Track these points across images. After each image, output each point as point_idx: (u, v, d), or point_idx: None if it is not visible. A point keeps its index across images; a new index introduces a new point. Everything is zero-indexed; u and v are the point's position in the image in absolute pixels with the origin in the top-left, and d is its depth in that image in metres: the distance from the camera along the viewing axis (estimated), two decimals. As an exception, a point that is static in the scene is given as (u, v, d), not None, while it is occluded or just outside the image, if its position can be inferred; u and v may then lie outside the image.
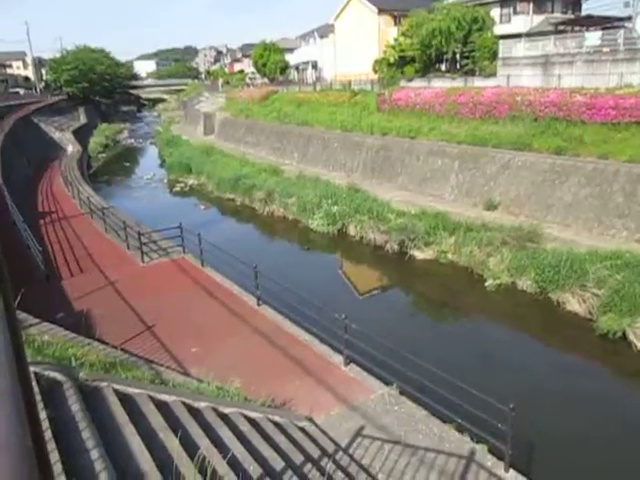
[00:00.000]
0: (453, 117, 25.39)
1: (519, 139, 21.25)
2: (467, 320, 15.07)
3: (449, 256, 17.53)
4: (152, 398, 6.04)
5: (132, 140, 64.21)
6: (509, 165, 20.54)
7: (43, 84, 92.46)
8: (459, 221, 18.51)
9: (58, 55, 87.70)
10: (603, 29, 28.96)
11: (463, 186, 22.02)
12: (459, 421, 7.41)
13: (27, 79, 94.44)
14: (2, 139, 33.46)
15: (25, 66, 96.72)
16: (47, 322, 9.57)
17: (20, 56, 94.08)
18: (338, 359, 9.57)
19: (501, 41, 29.85)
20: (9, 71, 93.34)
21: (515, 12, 37.49)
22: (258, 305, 12.18)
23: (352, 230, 20.97)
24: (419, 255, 18.26)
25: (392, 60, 37.33)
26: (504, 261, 15.73)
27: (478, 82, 28.78)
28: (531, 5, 37.08)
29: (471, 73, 31.37)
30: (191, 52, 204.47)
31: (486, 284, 15.52)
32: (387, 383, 8.75)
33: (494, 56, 30.33)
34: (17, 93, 74.58)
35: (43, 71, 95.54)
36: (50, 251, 17.09)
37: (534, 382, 10.78)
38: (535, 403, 9.67)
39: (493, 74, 28.78)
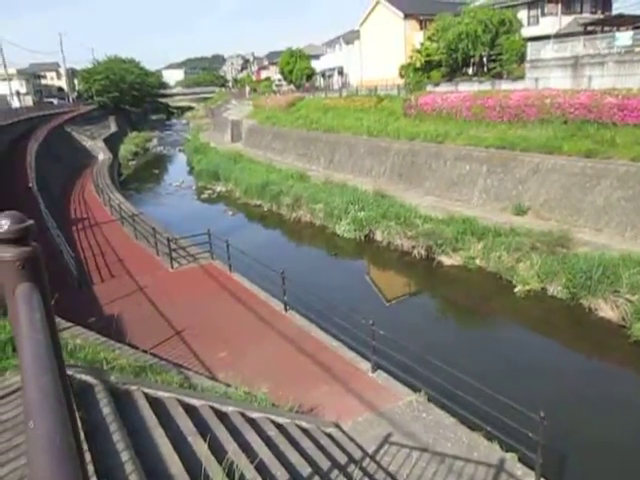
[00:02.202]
0: (481, 121, 25.13)
1: (548, 142, 20.91)
2: (496, 326, 14.86)
3: (477, 262, 17.32)
4: (181, 402, 6.10)
5: (161, 148, 65.29)
6: (538, 169, 20.21)
7: (75, 94, 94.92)
8: (487, 226, 18.29)
9: (90, 66, 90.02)
10: (635, 28, 28.36)
11: (491, 191, 21.75)
12: (488, 429, 7.30)
13: (60, 89, 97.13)
14: (37, 148, 34.35)
15: (59, 77, 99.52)
16: (79, 326, 9.76)
17: (54, 67, 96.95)
18: (366, 365, 9.53)
19: (529, 43, 29.47)
20: (43, 82, 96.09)
21: (543, 13, 36.97)
22: (285, 311, 12.22)
23: (379, 236, 20.89)
24: (447, 261, 18.08)
25: (418, 65, 37.19)
26: (534, 266, 15.45)
27: (506, 85, 28.47)
28: (559, 6, 36.51)
29: (498, 76, 31.02)
30: (218, 60, 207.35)
31: (515, 290, 15.27)
32: (415, 390, 8.67)
33: (522, 59, 29.96)
34: (51, 103, 76.69)
35: (75, 81, 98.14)
36: (82, 256, 17.47)
37: (566, 389, 10.55)
38: (567, 411, 9.47)
39: (521, 77, 28.41)
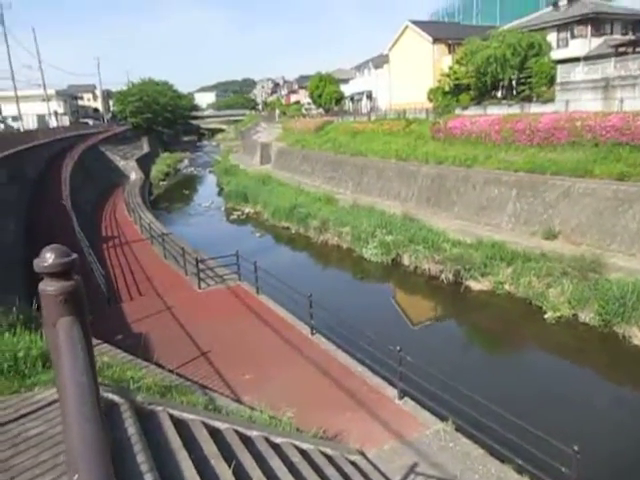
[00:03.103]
0: (510, 145, 24.93)
1: (579, 165, 20.58)
2: (526, 353, 14.52)
3: (506, 287, 17.03)
4: (206, 424, 6.09)
5: (192, 168, 66.46)
6: (569, 192, 19.89)
7: (110, 115, 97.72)
8: (517, 251, 18.03)
9: (125, 88, 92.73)
10: (668, 51, 27.93)
11: (521, 215, 21.46)
12: (519, 462, 7.08)
13: (96, 110, 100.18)
14: (72, 166, 35.31)
15: (95, 98, 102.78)
16: (107, 343, 9.88)
17: (90, 89, 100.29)
18: (392, 392, 9.39)
19: (559, 66, 29.26)
20: (80, 103, 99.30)
21: (573, 36, 36.75)
22: (312, 334, 12.17)
23: (406, 260, 20.76)
24: (475, 286, 17.83)
25: (447, 88, 37.25)
26: (565, 292, 15.13)
27: (535, 108, 28.24)
28: (589, 28, 36.26)
29: (528, 99, 30.83)
30: (249, 84, 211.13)
31: (545, 316, 14.94)
32: (442, 418, 8.49)
33: (551, 81, 29.74)
34: (87, 123, 79.05)
35: (110, 102, 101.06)
36: (112, 274, 17.78)
37: (600, 421, 10.20)
38: (602, 444, 9.14)
39: (551, 100, 28.17)
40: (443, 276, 18.67)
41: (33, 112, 57.91)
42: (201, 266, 16.34)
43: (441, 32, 45.93)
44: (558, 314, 14.75)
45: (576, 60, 30.72)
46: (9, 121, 51.30)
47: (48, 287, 1.21)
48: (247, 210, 34.96)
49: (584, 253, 16.86)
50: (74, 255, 1.31)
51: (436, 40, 43.47)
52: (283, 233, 28.91)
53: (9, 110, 54.05)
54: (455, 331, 16.54)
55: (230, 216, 34.96)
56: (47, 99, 60.29)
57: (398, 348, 8.85)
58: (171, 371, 9.32)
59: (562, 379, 12.50)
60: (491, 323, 16.30)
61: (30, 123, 53.32)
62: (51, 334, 1.18)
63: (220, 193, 43.80)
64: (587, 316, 14.33)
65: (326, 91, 63.85)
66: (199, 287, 15.97)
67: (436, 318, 17.71)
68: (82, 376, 0.99)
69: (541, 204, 20.76)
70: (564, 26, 36.95)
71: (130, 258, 20.50)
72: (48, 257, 1.25)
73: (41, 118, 60.17)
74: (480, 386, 9.80)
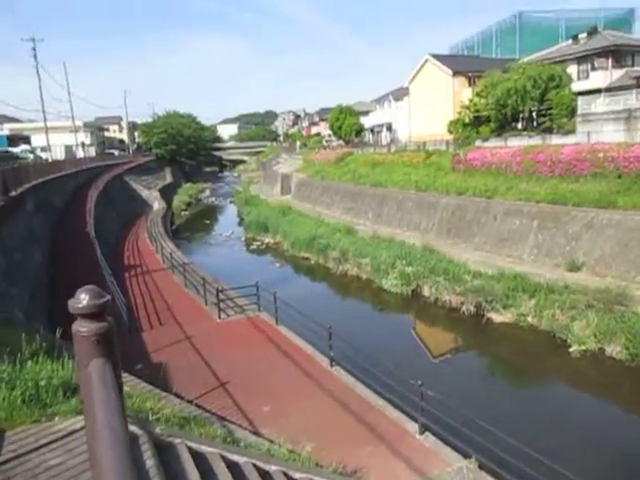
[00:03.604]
0: (531, 176, 24.83)
1: (602, 197, 20.38)
2: (551, 387, 14.17)
3: (529, 319, 16.75)
4: (224, 457, 6.03)
5: (213, 199, 67.32)
6: (592, 224, 19.65)
7: (135, 146, 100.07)
8: (539, 283, 17.77)
9: (150, 120, 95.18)
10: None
11: (543, 246, 21.22)
12: (544, 502, 6.85)
13: (122, 141, 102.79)
14: (97, 196, 36.03)
15: (120, 129, 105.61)
16: (127, 373, 9.90)
17: (117, 121, 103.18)
18: (413, 427, 9.20)
19: (580, 97, 29.26)
20: (106, 134, 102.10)
21: (593, 68, 36.79)
22: (331, 366, 12.05)
23: (426, 291, 20.59)
24: (497, 318, 17.57)
25: (467, 120, 37.40)
26: (590, 325, 14.81)
27: (556, 139, 28.16)
28: (610, 60, 36.29)
29: (549, 131, 30.76)
30: (271, 116, 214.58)
31: (570, 350, 14.62)
32: (465, 455, 8.28)
33: (572, 113, 29.70)
34: (112, 154, 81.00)
35: (136, 134, 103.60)
36: (133, 303, 17.92)
37: (631, 461, 9.84)
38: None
39: (572, 131, 28.08)
40: (464, 308, 18.46)
41: (61, 143, 59.57)
42: (221, 296, 16.39)
43: (461, 65, 46.39)
44: (583, 347, 14.43)
45: (597, 92, 30.70)
46: (38, 151, 52.76)
47: (81, 328, 1.24)
48: (267, 240, 35.15)
49: (609, 285, 16.56)
50: (107, 296, 1.33)
51: (456, 73, 43.89)
52: (303, 263, 28.95)
53: (38, 141, 55.69)
54: (477, 364, 16.24)
55: (250, 246, 35.17)
56: (75, 130, 62.01)
57: (419, 382, 8.71)
58: (190, 402, 9.28)
59: (589, 415, 12.15)
60: (514, 356, 16.00)
61: (58, 153, 54.79)
62: (83, 375, 1.20)
63: (240, 223, 44.20)
64: (614, 350, 13.99)
65: (346, 123, 64.62)
66: (219, 317, 16.00)
67: (457, 350, 17.44)
68: (115, 420, 1.00)
69: (564, 235, 20.53)
70: (584, 58, 37.07)
71: (151, 287, 20.68)
72: (82, 298, 1.28)
73: (68, 149, 61.78)
74: (504, 421, 9.56)
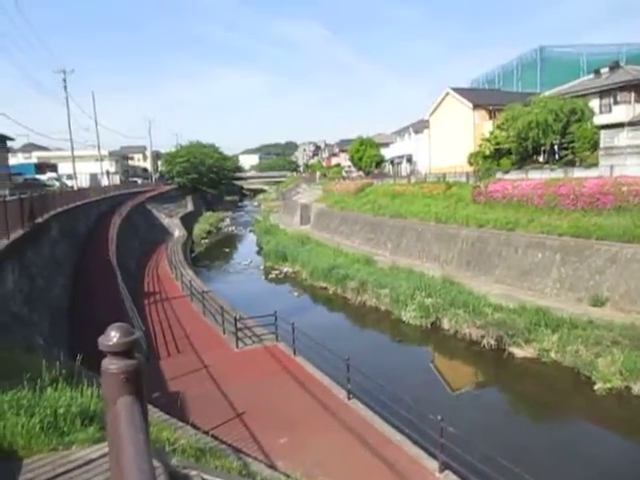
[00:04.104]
0: (553, 209, 24.59)
1: (627, 231, 20.05)
2: (575, 426, 13.75)
3: (552, 355, 16.38)
4: (239, 491, 5.93)
5: (233, 227, 67.89)
6: (617, 258, 19.30)
7: (158, 174, 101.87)
8: (562, 317, 17.43)
9: (173, 149, 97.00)
10: None
11: (566, 280, 20.87)
12: None
13: (145, 170, 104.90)
14: (119, 222, 36.58)
15: (144, 158, 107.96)
16: (144, 402, 9.85)
17: (141, 150, 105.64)
18: (432, 464, 8.96)
19: (602, 131, 29.09)
20: (131, 162, 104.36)
21: (616, 102, 36.63)
22: (349, 399, 11.88)
23: (446, 324, 20.33)
24: (519, 352, 17.22)
25: (487, 152, 37.41)
26: (616, 362, 14.41)
27: (578, 173, 27.95)
28: (633, 94, 36.10)
29: (571, 164, 30.58)
30: (291, 147, 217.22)
31: (595, 387, 14.22)
32: (486, 495, 8.02)
33: (595, 146, 29.53)
34: (135, 182, 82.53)
35: (159, 163, 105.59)
36: (151, 330, 17.98)
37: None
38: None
39: (594, 164, 27.88)
40: (485, 341, 18.15)
41: (87, 171, 60.97)
42: (239, 325, 16.37)
43: (481, 98, 46.66)
44: (609, 385, 14.02)
45: (620, 126, 30.50)
46: (64, 179, 54.02)
47: (110, 365, 1.24)
48: (285, 269, 35.18)
49: (635, 321, 16.17)
50: (137, 334, 1.34)
51: (476, 106, 44.11)
52: (321, 293, 28.87)
53: (65, 168, 57.10)
54: (498, 399, 15.87)
55: (269, 275, 35.22)
56: (100, 159, 63.43)
57: (439, 417, 8.52)
58: (206, 432, 9.19)
59: (616, 456, 11.71)
60: (537, 392, 15.60)
61: (83, 181, 56.01)
62: (111, 412, 1.19)
63: (259, 252, 44.37)
64: (641, 389, 13.58)
65: (366, 154, 65.13)
66: (237, 346, 15.96)
67: (478, 385, 17.09)
68: (144, 464, 0.99)
69: (587, 269, 20.19)
70: (607, 92, 36.97)
71: (170, 314, 20.76)
72: (112, 336, 1.28)
73: (93, 177, 63.17)
74: (526, 460, 9.27)
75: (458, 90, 48.53)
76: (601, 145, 28.40)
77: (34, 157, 77.60)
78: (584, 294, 19.72)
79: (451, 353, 19.56)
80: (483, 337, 18.30)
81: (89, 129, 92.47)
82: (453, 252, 27.83)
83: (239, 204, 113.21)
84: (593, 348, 15.36)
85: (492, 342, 17.91)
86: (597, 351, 15.22)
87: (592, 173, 26.72)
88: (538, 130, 31.72)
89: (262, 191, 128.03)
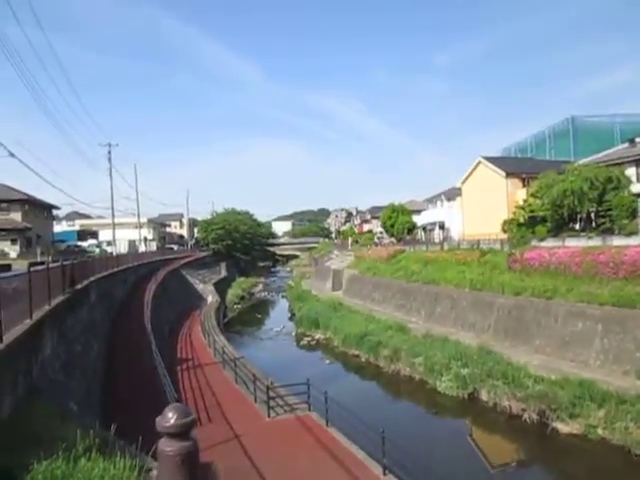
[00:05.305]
0: (592, 277, 23.95)
1: (673, 301, 19.32)
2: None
3: (599, 431, 15.51)
4: None
5: (265, 293, 68.18)
6: (664, 330, 18.49)
7: (194, 241, 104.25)
8: (608, 391, 16.57)
9: (209, 216, 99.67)
10: None
11: (610, 351, 19.99)
12: None
13: (181, 236, 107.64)
14: (155, 288, 37.16)
15: (181, 225, 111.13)
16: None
17: (178, 217, 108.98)
18: None
19: (640, 199, 28.74)
20: (167, 229, 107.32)
21: (653, 169, 36.28)
22: (384, 475, 11.36)
23: (484, 395, 19.59)
24: (563, 428, 16.36)
25: (521, 220, 37.19)
26: (671, 443, 13.53)
27: (618, 241, 27.39)
28: (670, 164, 35.78)
29: (609, 232, 30.07)
30: (324, 213, 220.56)
31: (649, 470, 13.30)
32: None
33: (634, 214, 29.08)
34: (172, 249, 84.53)
35: (195, 230, 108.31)
36: (183, 397, 17.79)
37: None
38: None
39: (635, 232, 27.35)
40: (526, 415, 17.38)
41: (125, 237, 62.90)
42: (271, 394, 16.11)
43: (514, 166, 46.94)
44: (663, 467, 13.11)
45: (658, 195, 30.11)
46: (104, 245, 55.78)
47: (167, 447, 1.24)
48: (317, 336, 34.86)
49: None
50: (193, 415, 1.35)
51: (509, 174, 44.30)
52: (353, 361, 28.35)
53: (105, 235, 59.07)
54: (541, 479, 14.95)
55: (300, 341, 34.91)
56: (139, 227, 65.43)
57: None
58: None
59: None
60: (584, 473, 14.67)
61: (122, 247, 57.69)
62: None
63: (292, 318, 44.22)
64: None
65: (398, 221, 65.46)
66: (268, 415, 15.64)
67: (519, 462, 16.15)
68: None
69: (632, 341, 19.34)
70: (642, 160, 36.73)
71: (202, 381, 20.60)
72: (170, 417, 1.29)
73: (132, 243, 65.03)
74: None
75: (490, 159, 49.04)
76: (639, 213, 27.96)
77: (77, 225, 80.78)
78: (630, 367, 18.80)
79: (490, 427, 18.70)
80: (524, 410, 17.53)
81: (130, 197, 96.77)
82: (489, 320, 27.16)
83: (272, 270, 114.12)
84: (644, 425, 14.50)
85: (534, 416, 17.13)
86: (649, 429, 14.36)
87: (632, 241, 26.17)
88: (573, 198, 31.52)
89: (295, 257, 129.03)
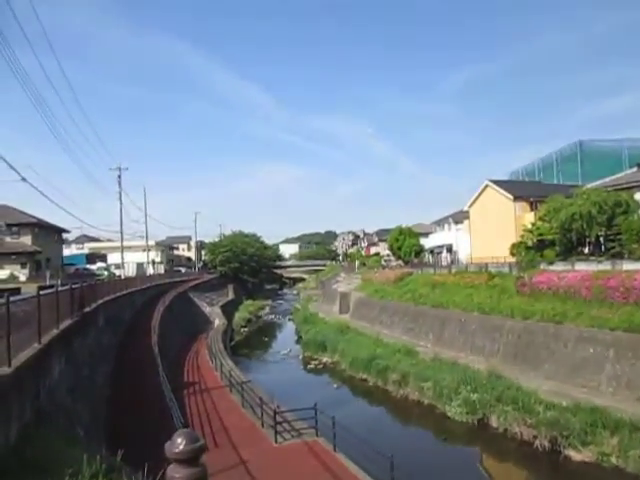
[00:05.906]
0: (602, 302, 23.71)
1: (685, 327, 19.07)
2: None
3: (613, 460, 15.20)
4: None
5: (272, 316, 67.94)
6: (676, 356, 18.23)
7: (201, 263, 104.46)
8: (621, 418, 16.29)
9: (217, 239, 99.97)
10: None
11: (622, 377, 19.69)
12: None
13: (189, 259, 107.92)
14: (162, 310, 37.17)
15: (189, 248, 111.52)
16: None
17: (186, 240, 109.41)
18: None
19: (650, 225, 28.53)
20: (175, 252, 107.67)
21: (664, 197, 36.14)
22: (392, 501, 11.19)
23: (494, 421, 19.31)
24: (576, 456, 16.06)
25: (530, 243, 37.02)
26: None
27: (628, 265, 27.14)
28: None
29: (619, 256, 29.83)
30: (331, 236, 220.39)
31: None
32: None
33: (644, 239, 28.84)
34: (179, 271, 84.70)
35: (202, 252, 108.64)
36: (190, 422, 17.64)
37: None
38: None
39: (645, 257, 27.13)
40: (537, 442, 17.09)
41: (134, 260, 63.17)
42: (278, 418, 15.97)
43: (521, 190, 46.92)
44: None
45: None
46: (112, 268, 56.04)
47: (176, 474, 1.25)
48: (325, 359, 34.63)
49: None
50: (202, 441, 1.35)
51: (517, 198, 44.27)
52: (361, 385, 28.08)
53: (114, 258, 59.37)
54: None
55: (308, 365, 34.66)
56: (147, 249, 65.72)
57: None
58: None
59: None
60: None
61: (130, 270, 57.89)
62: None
63: (298, 341, 43.98)
64: None
65: (406, 244, 65.34)
66: (275, 441, 15.47)
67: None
68: None
69: (644, 367, 19.06)
70: (653, 185, 36.60)
71: (208, 405, 20.46)
72: (179, 443, 1.30)
73: (140, 266, 65.28)
74: None
75: (497, 182, 49.09)
76: (649, 238, 27.75)
77: (86, 248, 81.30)
78: (643, 393, 18.51)
79: (501, 454, 18.40)
80: (535, 437, 17.25)
81: (138, 221, 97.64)
82: (498, 344, 26.89)
83: (279, 292, 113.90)
84: (659, 455, 14.22)
85: (545, 443, 16.85)
86: (664, 458, 14.07)
87: (642, 265, 25.93)
88: (582, 222, 31.39)
89: (302, 279, 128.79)
